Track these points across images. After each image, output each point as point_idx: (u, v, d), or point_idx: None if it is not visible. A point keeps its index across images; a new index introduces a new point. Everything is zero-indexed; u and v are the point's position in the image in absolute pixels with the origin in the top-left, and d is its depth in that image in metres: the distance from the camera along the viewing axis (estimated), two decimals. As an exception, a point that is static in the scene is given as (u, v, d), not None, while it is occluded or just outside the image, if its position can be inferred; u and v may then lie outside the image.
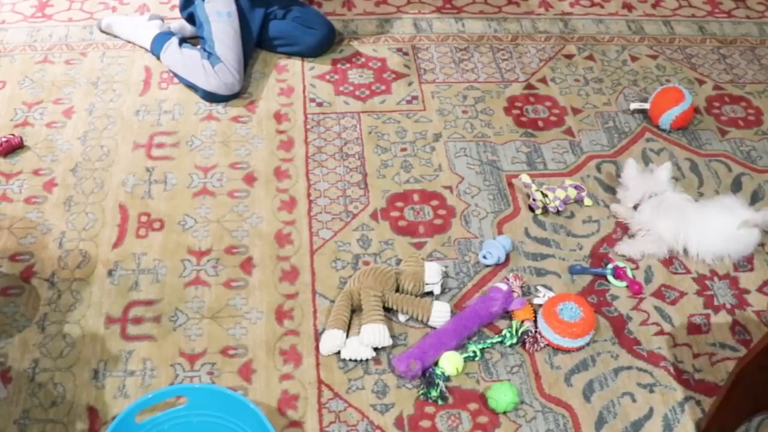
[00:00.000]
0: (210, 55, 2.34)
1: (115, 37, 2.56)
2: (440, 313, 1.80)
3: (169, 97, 2.37)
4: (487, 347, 1.79)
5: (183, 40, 2.45)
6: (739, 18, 2.84)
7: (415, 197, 2.12)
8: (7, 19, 2.63)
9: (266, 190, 2.12)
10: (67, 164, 2.15)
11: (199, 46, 2.41)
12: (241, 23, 2.41)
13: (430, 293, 1.89)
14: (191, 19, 2.49)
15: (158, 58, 2.46)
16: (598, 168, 2.23)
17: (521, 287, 1.89)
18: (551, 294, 1.88)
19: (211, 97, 2.34)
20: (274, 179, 2.14)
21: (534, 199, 2.07)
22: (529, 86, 2.49)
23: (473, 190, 2.15)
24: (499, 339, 1.79)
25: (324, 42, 2.53)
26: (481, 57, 2.59)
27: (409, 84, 2.47)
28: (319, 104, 2.38)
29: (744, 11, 2.88)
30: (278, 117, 2.33)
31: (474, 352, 1.76)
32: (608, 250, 2.02)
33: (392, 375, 1.73)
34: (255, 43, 2.49)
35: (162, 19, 2.57)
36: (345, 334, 1.76)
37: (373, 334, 1.73)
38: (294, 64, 2.51)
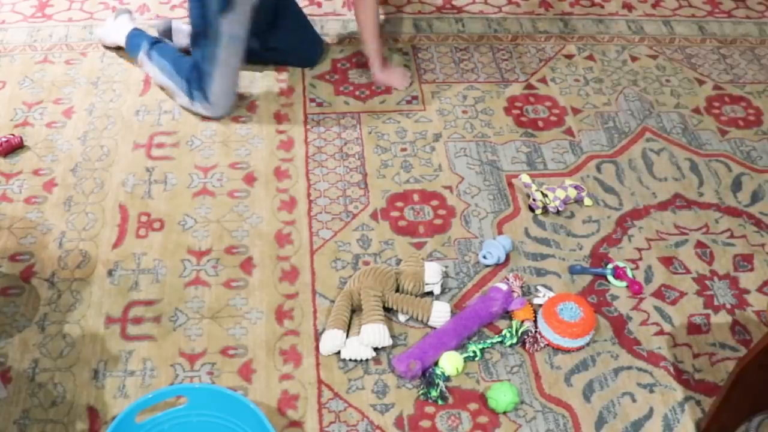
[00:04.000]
0: (198, 85, 2.23)
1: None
2: (440, 313, 1.80)
3: (169, 97, 2.37)
4: (487, 347, 1.79)
5: (154, 43, 2.37)
6: (739, 18, 2.84)
7: (415, 197, 2.12)
8: (7, 19, 2.63)
9: (266, 190, 2.12)
10: (67, 164, 2.15)
11: (187, 56, 2.32)
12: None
13: (430, 293, 1.89)
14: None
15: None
16: (598, 168, 2.23)
17: (521, 287, 1.89)
18: (551, 294, 1.88)
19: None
20: (274, 179, 2.14)
21: (534, 199, 2.07)
22: (529, 86, 2.49)
23: (473, 190, 2.15)
24: (499, 339, 1.79)
25: (311, 62, 2.49)
26: (481, 57, 2.59)
27: (409, 84, 2.47)
28: (319, 104, 2.38)
29: (744, 11, 2.87)
30: (278, 117, 2.33)
31: (474, 352, 1.76)
32: (608, 250, 2.02)
33: (392, 375, 1.73)
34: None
35: (129, 11, 2.51)
36: (345, 334, 1.76)
37: (373, 334, 1.73)
38: (294, 64, 2.51)
